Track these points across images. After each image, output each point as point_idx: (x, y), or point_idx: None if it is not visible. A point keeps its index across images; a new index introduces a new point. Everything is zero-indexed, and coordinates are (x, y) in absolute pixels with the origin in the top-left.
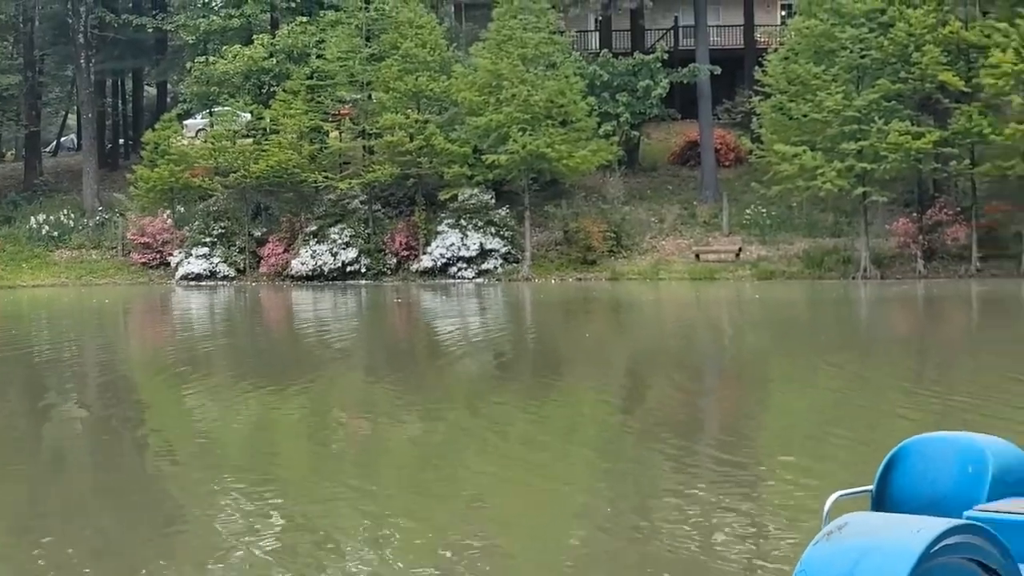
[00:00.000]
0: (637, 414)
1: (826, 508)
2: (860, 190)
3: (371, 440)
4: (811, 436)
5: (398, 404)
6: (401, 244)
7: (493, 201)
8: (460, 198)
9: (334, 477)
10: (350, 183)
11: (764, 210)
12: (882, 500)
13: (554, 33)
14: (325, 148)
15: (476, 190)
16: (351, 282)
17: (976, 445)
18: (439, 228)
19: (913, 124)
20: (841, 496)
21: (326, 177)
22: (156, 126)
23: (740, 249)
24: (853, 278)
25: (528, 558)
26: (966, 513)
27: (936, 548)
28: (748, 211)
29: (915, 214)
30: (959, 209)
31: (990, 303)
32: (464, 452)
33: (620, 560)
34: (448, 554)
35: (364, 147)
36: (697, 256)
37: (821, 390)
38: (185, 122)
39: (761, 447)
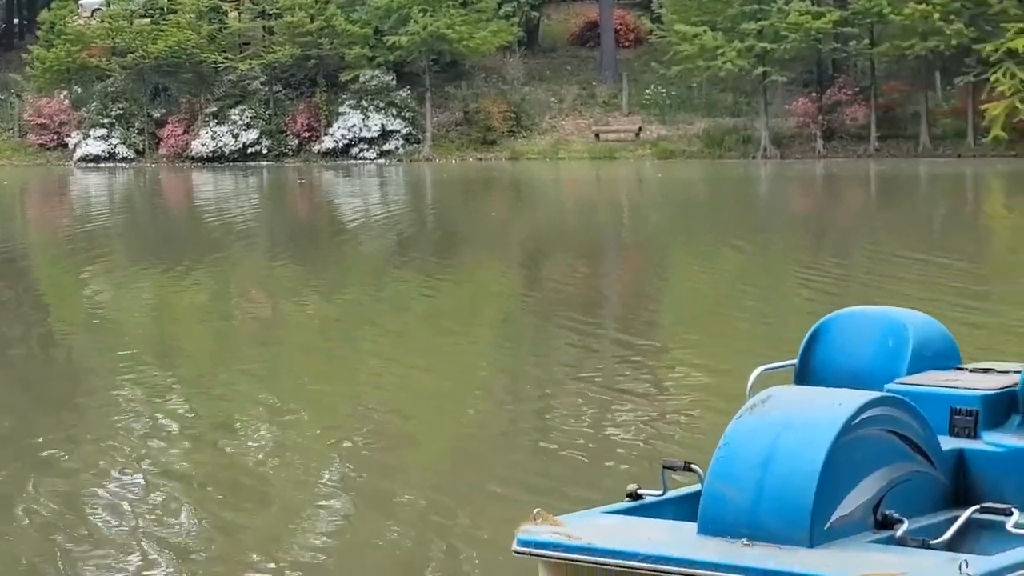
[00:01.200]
0: (539, 294)
1: (750, 382)
2: (760, 70)
3: (272, 321)
4: (713, 315)
5: (300, 284)
6: (302, 125)
7: (394, 82)
8: (361, 79)
9: (234, 358)
10: (250, 64)
11: (664, 90)
12: (805, 374)
13: None
14: (225, 28)
15: (377, 71)
16: (252, 164)
17: (897, 320)
18: (340, 109)
19: (813, 4)
20: (764, 370)
21: (226, 58)
22: (52, 5)
23: (640, 129)
24: (753, 158)
25: (428, 436)
26: (887, 386)
27: (857, 420)
28: (648, 91)
29: (815, 94)
30: (858, 89)
31: (887, 182)
32: (366, 331)
33: (521, 440)
34: (348, 433)
35: (264, 28)
36: (597, 136)
37: (722, 270)
38: (81, 1)
39: (663, 326)
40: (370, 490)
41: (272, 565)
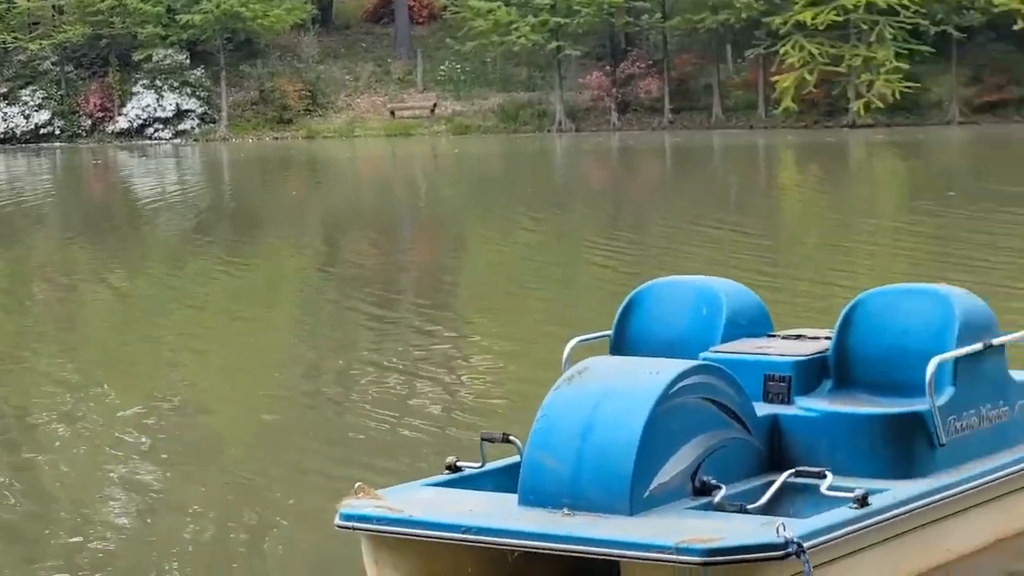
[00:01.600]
0: (338, 270)
1: (565, 353)
2: (554, 44)
3: (71, 302)
4: (514, 289)
5: (99, 266)
6: (95, 106)
7: (188, 61)
8: (155, 59)
9: (32, 341)
10: (40, 44)
11: (459, 66)
12: (620, 344)
13: None
14: (13, 7)
15: (170, 51)
16: (45, 145)
17: (711, 288)
18: (134, 89)
19: None
20: (580, 341)
21: (15, 38)
22: None
23: (435, 105)
24: (548, 131)
25: (232, 414)
26: (702, 354)
27: (674, 389)
28: (443, 67)
29: (608, 68)
30: (651, 62)
31: (682, 154)
32: (166, 310)
33: (330, 416)
34: (148, 412)
35: (54, 6)
36: (392, 113)
37: (521, 244)
38: None
39: (466, 301)
40: (176, 467)
41: (77, 539)
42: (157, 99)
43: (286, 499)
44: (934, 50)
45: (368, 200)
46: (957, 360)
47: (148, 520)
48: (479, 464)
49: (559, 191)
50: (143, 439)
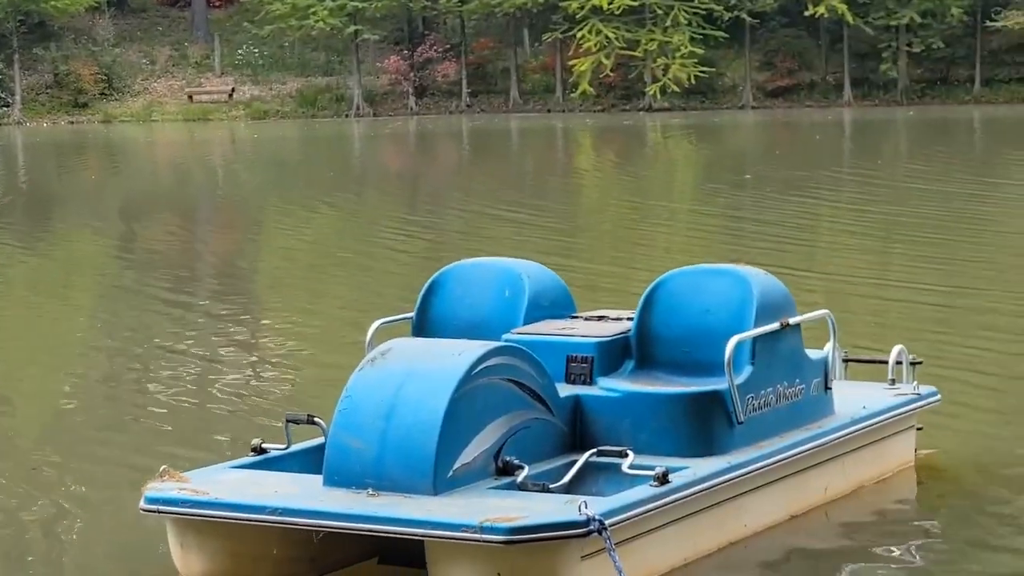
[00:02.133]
0: (135, 256)
1: (368, 335)
2: (352, 28)
3: None
4: (313, 273)
5: None
6: None
7: None
8: None
9: None
10: None
11: (257, 50)
12: (423, 326)
13: None
14: None
15: None
16: None
17: (512, 270)
18: None
19: None
20: (382, 323)
21: None
22: None
23: (233, 90)
24: (346, 116)
25: (27, 404)
26: (504, 336)
27: (477, 370)
28: (240, 51)
29: (406, 52)
30: (449, 46)
31: (479, 137)
32: None
33: (129, 403)
34: None
35: None
36: (190, 97)
37: (319, 228)
38: None
39: (264, 286)
40: None
41: None
42: None
43: (86, 487)
44: (728, 35)
45: (166, 185)
46: (755, 339)
47: None
48: (284, 446)
49: (356, 176)
50: None
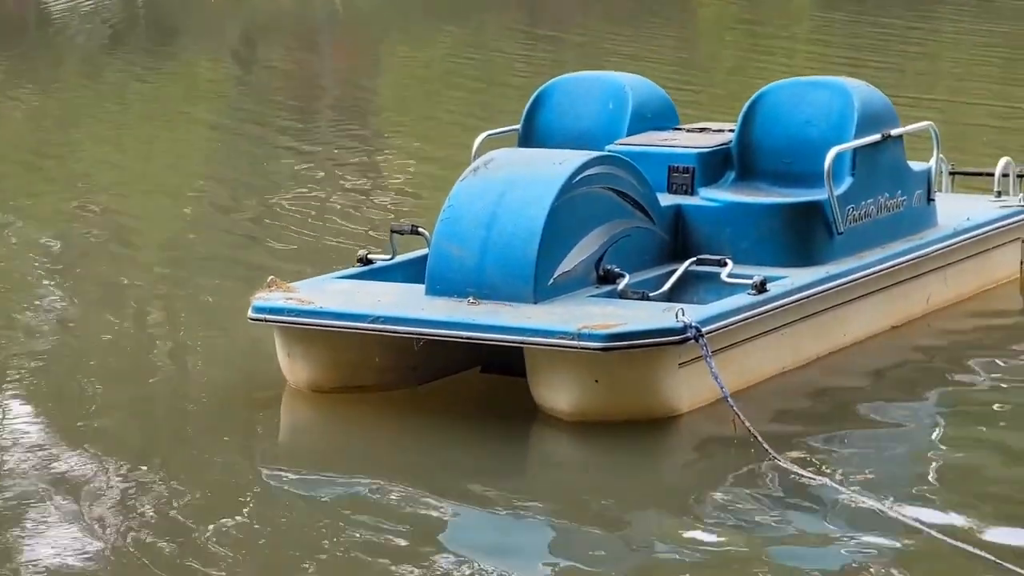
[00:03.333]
0: (255, 80)
1: (474, 147)
2: None
3: None
4: (424, 95)
5: (6, 80)
6: None
7: None
8: None
9: None
10: None
11: None
12: (529, 138)
13: None
14: None
15: None
16: None
17: (616, 82)
18: None
19: None
20: (489, 135)
21: None
22: None
23: None
24: None
25: (154, 223)
26: (607, 147)
27: (577, 179)
28: None
29: None
30: None
31: None
32: (81, 126)
33: (243, 216)
34: (73, 227)
35: None
36: None
37: (438, 47)
38: None
39: (373, 105)
40: (101, 275)
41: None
42: None
43: (201, 297)
44: None
45: (287, 8)
46: (855, 151)
47: (65, 333)
48: (389, 256)
49: None
50: (67, 252)
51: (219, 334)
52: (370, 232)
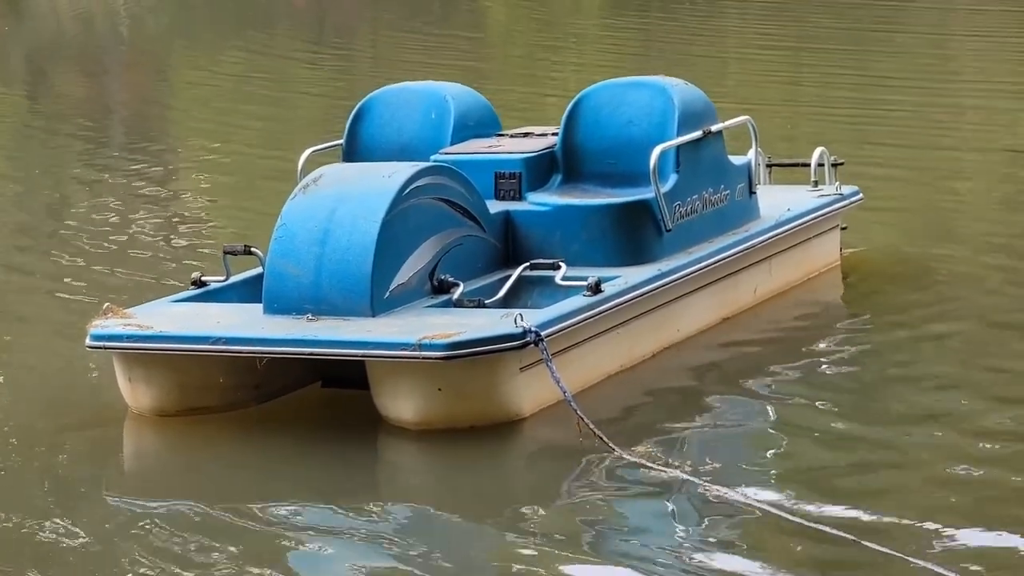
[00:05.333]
0: (47, 106)
1: (300, 164)
2: None
3: None
4: (221, 115)
5: None
6: None
7: None
8: None
9: None
10: None
11: None
12: (352, 152)
13: None
14: None
15: None
16: None
17: (437, 92)
18: None
19: None
20: (313, 151)
21: None
22: None
23: None
24: None
25: None
26: (432, 157)
27: (407, 191)
28: None
29: None
30: None
31: None
32: None
33: (67, 247)
34: None
35: None
36: None
37: (229, 68)
38: None
39: (171, 127)
40: None
41: None
42: None
43: (29, 331)
44: None
45: (70, 34)
46: (679, 148)
47: None
48: (224, 278)
49: (260, 13)
50: None
51: (51, 366)
52: (197, 251)
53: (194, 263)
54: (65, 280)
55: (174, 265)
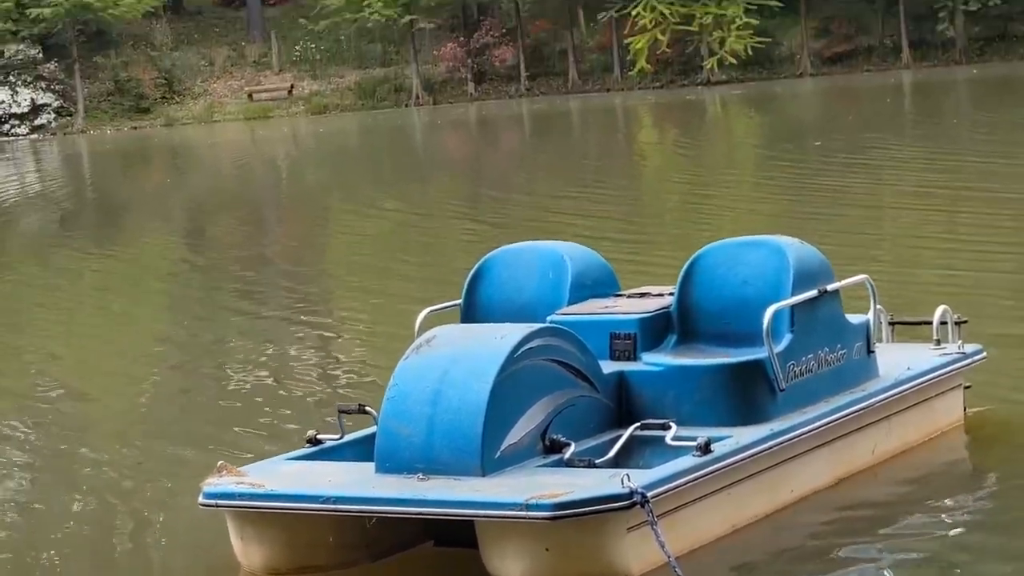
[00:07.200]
0: (206, 256)
1: (417, 323)
2: (407, 18)
3: None
4: (380, 262)
5: None
6: None
7: (41, 55)
8: (7, 55)
9: None
10: None
11: (314, 45)
12: (470, 312)
13: None
14: None
15: (22, 45)
16: None
17: (555, 253)
18: None
19: None
20: (431, 311)
21: None
22: None
23: (292, 86)
24: (406, 106)
25: (108, 407)
26: (549, 317)
27: (520, 352)
28: (297, 47)
29: (462, 38)
30: (505, 30)
31: (540, 119)
32: (35, 306)
33: (196, 397)
34: (28, 415)
35: None
36: (250, 96)
37: (385, 218)
38: None
39: (332, 277)
40: (57, 463)
41: None
42: (12, 95)
43: (163, 483)
44: (783, 4)
45: (232, 184)
46: (793, 307)
47: (26, 514)
48: (338, 436)
49: (420, 164)
50: (22, 442)
51: (167, 520)
52: (320, 408)
53: (317, 417)
54: (196, 430)
55: (298, 420)
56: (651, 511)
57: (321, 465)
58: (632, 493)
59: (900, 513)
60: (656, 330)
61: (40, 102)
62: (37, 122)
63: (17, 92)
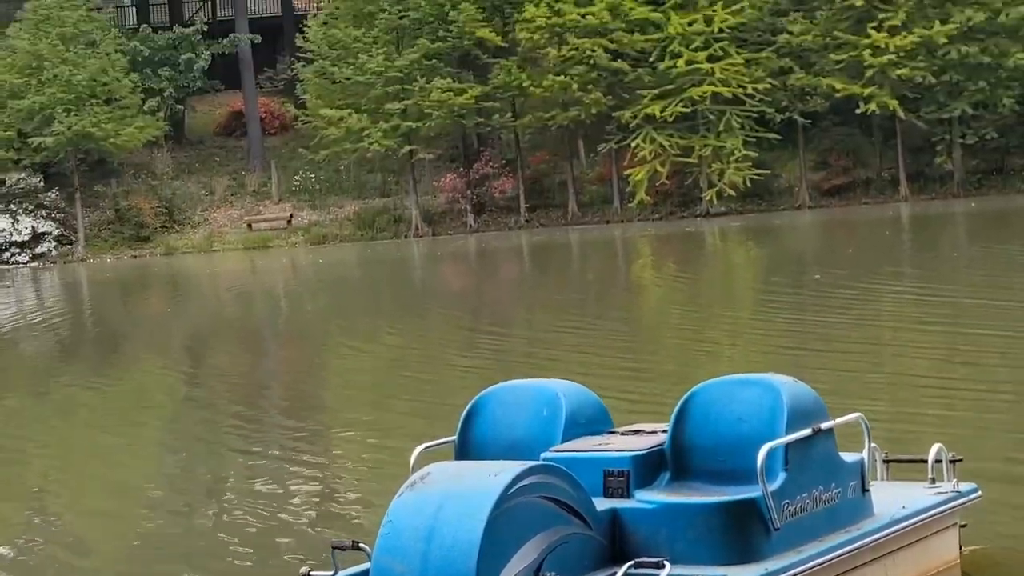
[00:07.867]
0: (204, 386)
1: (412, 460)
2: (407, 149)
3: None
4: (375, 396)
5: None
6: None
7: (42, 184)
8: (8, 183)
9: None
10: None
11: (313, 175)
12: (465, 449)
13: (92, 10)
14: None
15: (23, 174)
16: None
17: (549, 390)
18: None
19: (455, 81)
20: (426, 448)
21: None
22: None
23: (291, 216)
24: (405, 237)
25: (105, 535)
26: (543, 454)
27: (513, 489)
28: (297, 177)
29: (462, 169)
30: (504, 162)
31: (540, 252)
32: (28, 441)
33: (196, 540)
34: (25, 545)
35: None
36: (249, 226)
37: (382, 352)
38: None
39: (328, 410)
40: None
41: None
42: (12, 223)
43: None
44: (781, 136)
45: (230, 314)
46: (787, 446)
47: None
48: (331, 573)
49: (418, 296)
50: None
51: None
52: (312, 538)
53: (311, 553)
54: (191, 560)
55: (293, 554)
56: None
57: None
58: None
59: None
60: (650, 467)
61: (41, 230)
62: (38, 250)
63: (18, 220)
